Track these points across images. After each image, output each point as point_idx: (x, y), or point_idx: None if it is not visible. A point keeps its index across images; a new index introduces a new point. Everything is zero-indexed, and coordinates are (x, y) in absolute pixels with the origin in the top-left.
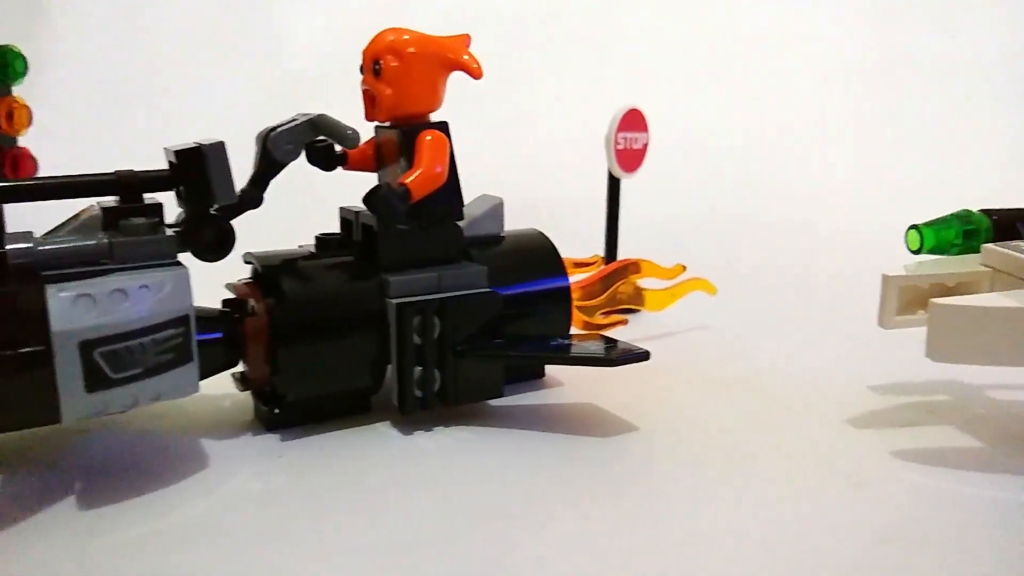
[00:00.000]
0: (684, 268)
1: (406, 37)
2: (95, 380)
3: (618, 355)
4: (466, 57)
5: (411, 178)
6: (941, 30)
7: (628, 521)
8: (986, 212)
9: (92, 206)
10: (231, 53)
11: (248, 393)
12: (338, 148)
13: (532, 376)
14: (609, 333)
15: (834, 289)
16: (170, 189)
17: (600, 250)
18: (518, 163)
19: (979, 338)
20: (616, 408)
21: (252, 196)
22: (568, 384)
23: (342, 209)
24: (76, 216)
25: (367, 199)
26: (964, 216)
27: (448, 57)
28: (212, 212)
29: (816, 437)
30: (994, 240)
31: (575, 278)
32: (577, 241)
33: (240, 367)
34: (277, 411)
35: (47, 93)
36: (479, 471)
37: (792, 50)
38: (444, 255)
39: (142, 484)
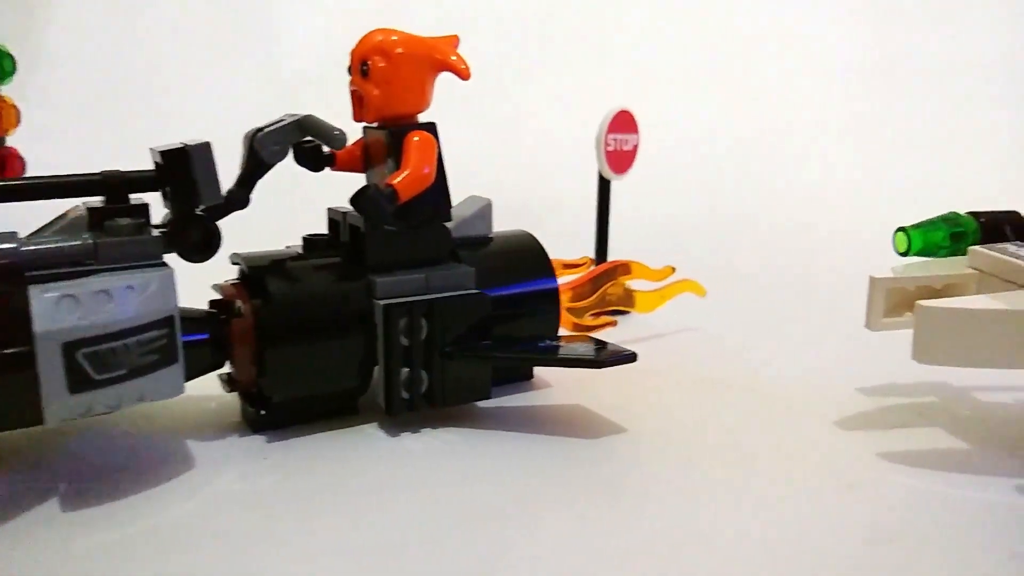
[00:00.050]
0: (673, 270)
1: (394, 38)
2: (78, 381)
3: (605, 357)
4: (454, 58)
5: (399, 179)
6: (936, 31)
7: (615, 523)
8: (974, 215)
9: (78, 206)
10: (226, 53)
11: (235, 394)
12: (326, 149)
13: (520, 378)
14: (599, 334)
15: (824, 290)
16: (156, 189)
17: (590, 251)
18: (509, 164)
19: (965, 340)
20: (604, 410)
21: (239, 197)
22: (556, 386)
23: (330, 210)
24: (62, 216)
25: (354, 200)
26: (952, 218)
27: (436, 58)
28: (198, 213)
29: (805, 438)
30: (982, 242)
31: (565, 279)
32: (567, 242)
33: (227, 368)
34: (263, 412)
35: (37, 93)
36: (466, 472)
37: (782, 51)
38: (432, 256)
39: (126, 485)
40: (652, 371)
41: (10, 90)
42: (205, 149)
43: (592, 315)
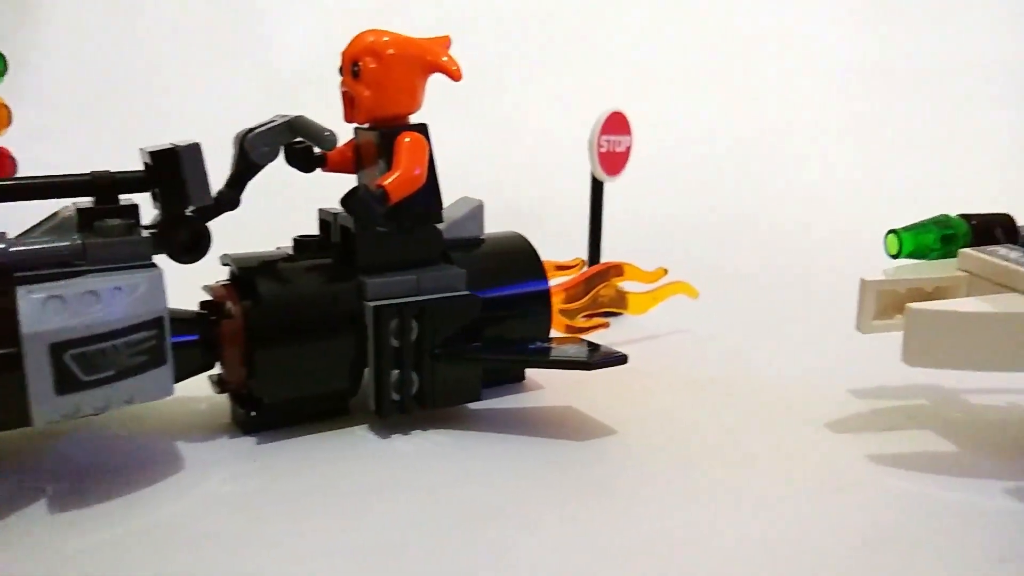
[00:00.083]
0: (666, 271)
1: (385, 39)
2: (66, 383)
3: (596, 359)
4: (445, 59)
5: (389, 180)
6: (933, 31)
7: (605, 525)
8: (964, 217)
9: (68, 207)
10: (221, 53)
11: (225, 396)
12: (317, 150)
13: (512, 379)
14: (591, 336)
15: (817, 292)
16: (145, 190)
17: (583, 253)
18: (502, 165)
19: (955, 343)
20: (595, 411)
21: (229, 198)
22: (548, 387)
23: (321, 211)
24: (51, 217)
25: (345, 201)
26: (943, 221)
27: (427, 59)
28: (188, 214)
29: (796, 441)
30: (972, 245)
31: (558, 281)
32: (560, 244)
33: (217, 369)
34: (254, 414)
35: (29, 93)
36: (456, 474)
37: (775, 52)
38: (423, 257)
39: (115, 487)
40: (644, 373)
41: (1, 90)
42: (194, 150)
43: (584, 317)
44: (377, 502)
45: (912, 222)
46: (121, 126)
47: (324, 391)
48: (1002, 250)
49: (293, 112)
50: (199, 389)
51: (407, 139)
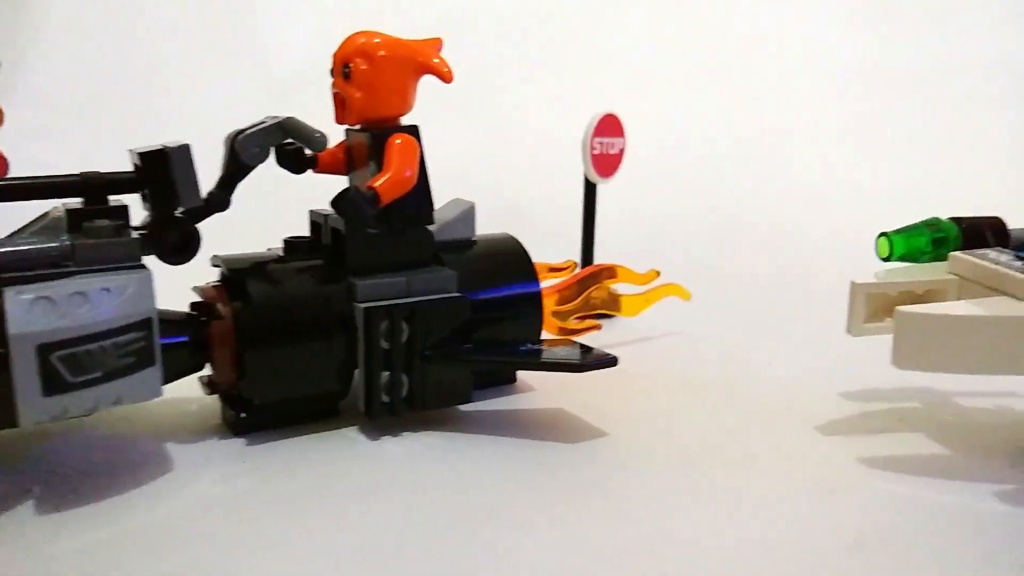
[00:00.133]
0: (658, 273)
1: (376, 40)
2: (53, 384)
3: (586, 361)
4: (436, 60)
5: (380, 181)
6: (929, 32)
7: (594, 527)
8: (955, 220)
9: (58, 207)
10: (217, 54)
11: (216, 397)
12: (308, 151)
13: (503, 381)
14: (583, 338)
15: (810, 295)
16: (135, 191)
17: (576, 255)
18: (496, 167)
19: (944, 346)
20: (587, 413)
21: (219, 199)
22: (540, 389)
23: (312, 212)
24: (41, 217)
25: (335, 202)
26: (934, 224)
27: (418, 60)
28: (177, 215)
29: (787, 443)
30: (963, 248)
31: (551, 282)
32: (553, 246)
33: (207, 371)
34: (244, 415)
35: (25, 92)
36: (446, 477)
37: (768, 54)
38: (414, 259)
39: (104, 488)
40: (636, 375)
41: None
42: (184, 151)
43: (577, 319)
44: (366, 504)
45: (903, 225)
46: (117, 127)
47: (314, 393)
48: (992, 253)
49: (290, 113)
50: (190, 390)
51: (398, 141)
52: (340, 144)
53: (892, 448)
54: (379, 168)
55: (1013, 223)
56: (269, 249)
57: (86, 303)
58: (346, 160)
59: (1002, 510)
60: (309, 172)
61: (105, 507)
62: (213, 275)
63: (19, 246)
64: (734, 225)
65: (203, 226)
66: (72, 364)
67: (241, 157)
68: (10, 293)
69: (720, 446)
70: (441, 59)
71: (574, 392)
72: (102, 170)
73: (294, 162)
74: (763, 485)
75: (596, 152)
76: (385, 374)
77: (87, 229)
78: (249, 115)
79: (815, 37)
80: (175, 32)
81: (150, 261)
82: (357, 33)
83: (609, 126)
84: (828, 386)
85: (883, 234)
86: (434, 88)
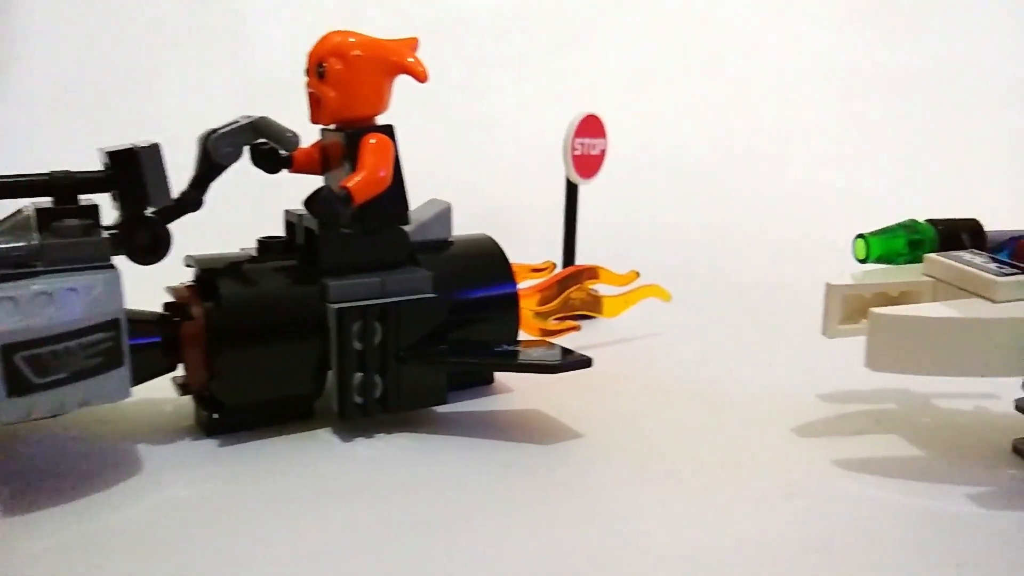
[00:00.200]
0: (638, 274)
1: (351, 40)
2: (17, 385)
3: (560, 362)
4: (411, 60)
5: (353, 181)
6: (908, 37)
7: (564, 529)
8: (932, 222)
9: (29, 206)
10: (201, 53)
11: (190, 398)
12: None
13: (481, 382)
14: (563, 339)
15: (791, 296)
16: (105, 191)
17: (558, 256)
18: (478, 167)
19: (918, 348)
20: (563, 415)
21: (192, 198)
22: (517, 391)
23: (287, 212)
24: (11, 216)
25: (308, 202)
26: (910, 225)
27: (393, 60)
28: (148, 214)
29: (761, 446)
30: (939, 250)
31: (531, 283)
32: (536, 247)
33: (180, 371)
34: (216, 416)
35: (7, 92)
36: (417, 478)
37: (751, 57)
38: (389, 260)
39: (73, 489)
40: (615, 376)
41: None
42: (154, 150)
43: (557, 319)
44: (337, 506)
45: (880, 227)
46: (96, 126)
47: (287, 394)
48: (966, 255)
49: (273, 113)
50: (164, 391)
51: (372, 140)
52: (315, 144)
53: (867, 450)
54: (353, 168)
55: (999, 226)
56: (243, 249)
57: (51, 303)
58: (321, 160)
59: (973, 512)
60: (284, 172)
61: (74, 508)
62: (188, 275)
63: None
64: (715, 227)
65: (178, 226)
66: (37, 365)
67: (213, 157)
68: None
69: (694, 448)
70: (416, 59)
71: (552, 393)
72: (73, 169)
73: (269, 162)
74: (735, 487)
75: (577, 153)
76: (358, 375)
77: (56, 228)
78: (231, 114)
79: (798, 41)
80: (156, 30)
81: (122, 262)
82: (332, 32)
83: (590, 127)
84: (806, 388)
85: (860, 236)
86: (417, 88)
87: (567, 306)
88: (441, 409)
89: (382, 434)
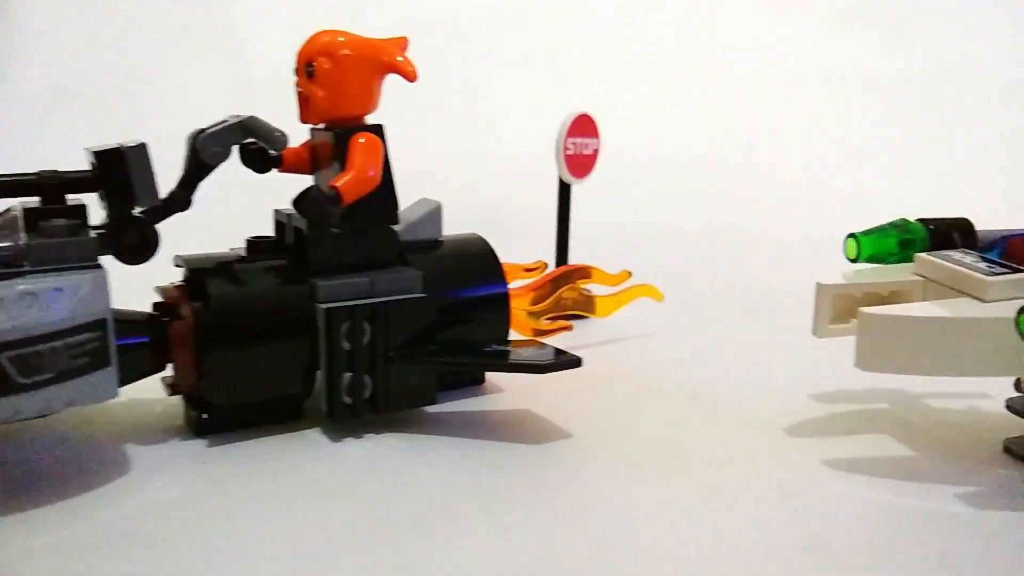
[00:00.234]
0: (630, 274)
1: (340, 39)
2: (2, 385)
3: (550, 362)
4: (400, 59)
5: (342, 181)
6: (906, 38)
7: (552, 529)
8: (923, 221)
9: (16, 206)
10: (190, 52)
11: (180, 398)
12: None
13: (472, 382)
14: (555, 339)
15: (782, 296)
16: (92, 191)
17: (551, 255)
18: (470, 167)
19: (908, 348)
20: (553, 415)
21: (180, 198)
22: (508, 391)
23: (276, 211)
24: None
25: (296, 202)
26: (901, 225)
27: (382, 59)
28: (136, 214)
29: (753, 446)
30: (930, 249)
31: (524, 282)
32: (528, 246)
33: (169, 371)
34: (205, 416)
35: (2, 92)
36: (405, 479)
37: (745, 58)
38: (378, 259)
39: (62, 489)
40: (606, 376)
41: None
42: (141, 150)
43: (549, 319)
44: (318, 507)
45: (871, 226)
46: (88, 125)
47: (276, 394)
48: (957, 255)
49: (266, 112)
50: (154, 391)
51: (361, 140)
52: (304, 143)
53: (858, 450)
54: (342, 167)
55: (996, 226)
56: (232, 249)
57: (37, 303)
58: (310, 159)
59: (960, 511)
60: (273, 171)
61: (62, 508)
62: (178, 275)
63: None
64: (707, 227)
65: (167, 226)
66: (22, 365)
67: (202, 156)
68: None
69: (685, 448)
70: (405, 58)
71: (542, 393)
72: (60, 169)
73: (258, 161)
74: (726, 487)
75: (570, 152)
76: (347, 375)
77: (43, 228)
78: (224, 113)
79: (789, 42)
80: (151, 31)
81: (111, 262)
82: (321, 32)
83: (583, 127)
84: (798, 388)
85: (851, 235)
86: (408, 88)
87: (559, 306)
88: (431, 409)
89: (371, 434)
